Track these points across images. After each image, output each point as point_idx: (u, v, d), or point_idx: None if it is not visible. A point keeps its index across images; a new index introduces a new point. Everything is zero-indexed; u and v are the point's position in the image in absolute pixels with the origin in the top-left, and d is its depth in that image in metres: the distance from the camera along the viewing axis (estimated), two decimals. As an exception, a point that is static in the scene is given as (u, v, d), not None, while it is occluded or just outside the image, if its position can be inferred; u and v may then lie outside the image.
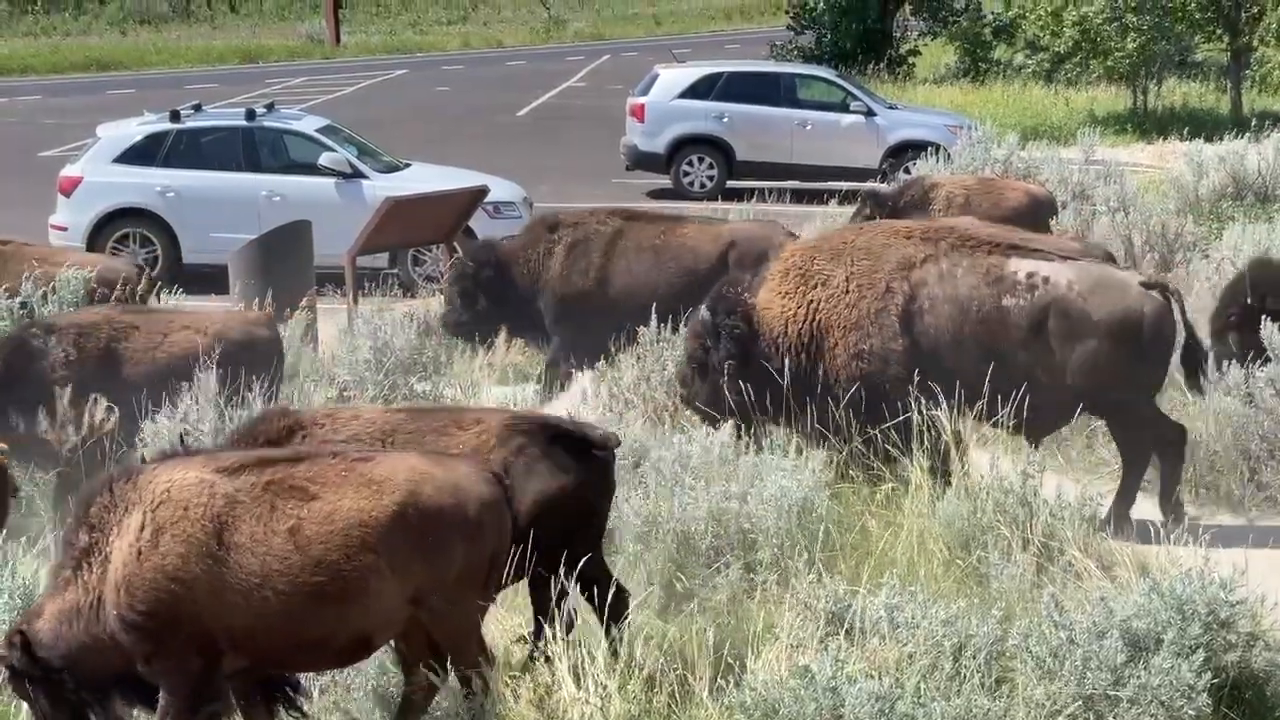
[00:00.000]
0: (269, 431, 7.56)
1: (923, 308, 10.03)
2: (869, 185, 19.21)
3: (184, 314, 11.70)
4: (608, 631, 7.48)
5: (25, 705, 6.81)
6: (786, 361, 10.15)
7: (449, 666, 6.80)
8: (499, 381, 13.50)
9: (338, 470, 6.59)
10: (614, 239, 13.57)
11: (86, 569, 6.52)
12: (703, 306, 10.49)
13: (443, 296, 14.11)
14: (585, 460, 7.57)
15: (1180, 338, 10.20)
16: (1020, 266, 9.99)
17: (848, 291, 10.13)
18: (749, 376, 10.07)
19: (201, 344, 10.66)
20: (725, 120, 26.22)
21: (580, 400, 11.54)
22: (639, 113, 26.46)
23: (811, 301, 10.20)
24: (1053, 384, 9.87)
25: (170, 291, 14.11)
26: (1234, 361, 10.91)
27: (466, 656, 6.79)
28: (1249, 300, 11.45)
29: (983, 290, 9.96)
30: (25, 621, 6.62)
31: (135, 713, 6.81)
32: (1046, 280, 9.91)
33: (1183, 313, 10.19)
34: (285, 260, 14.31)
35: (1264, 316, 11.19)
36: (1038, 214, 15.78)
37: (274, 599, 6.39)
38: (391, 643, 6.98)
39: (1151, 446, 10.21)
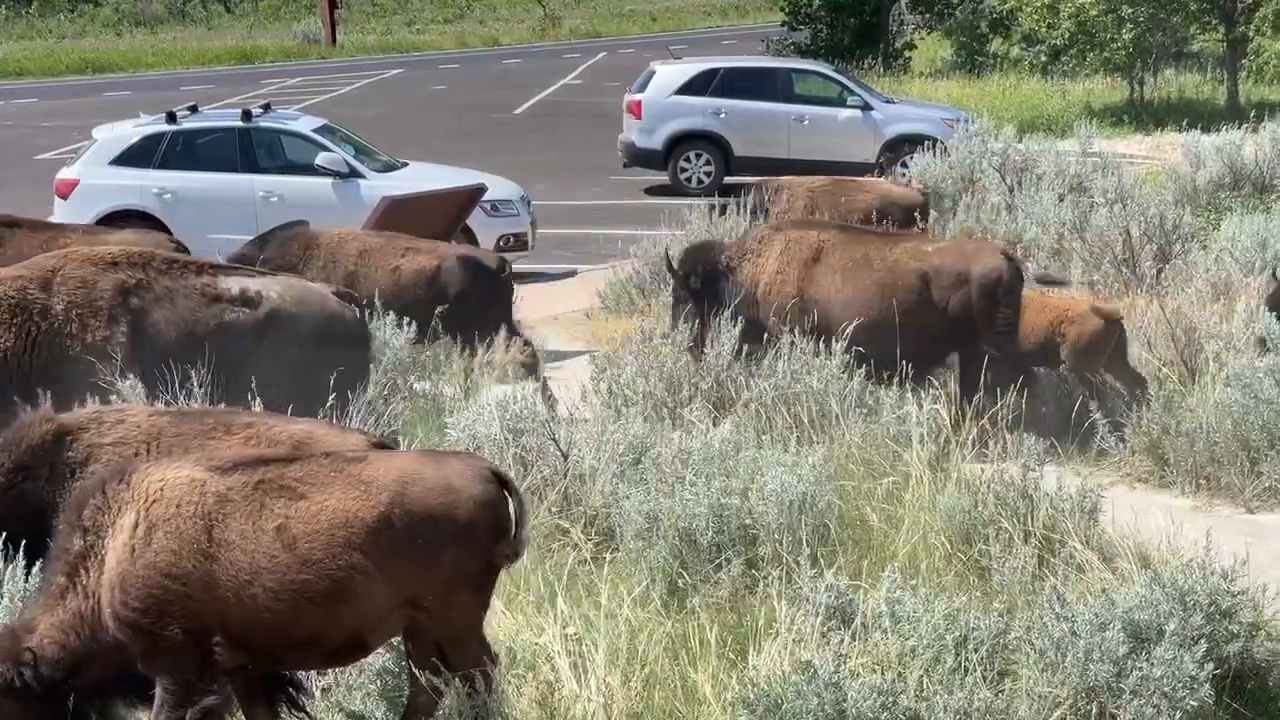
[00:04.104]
0: (31, 438, 7.44)
1: (148, 333, 10.26)
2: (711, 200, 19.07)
3: None
4: None
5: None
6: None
7: (452, 667, 6.79)
8: (499, 380, 13.50)
9: (328, 471, 6.59)
10: None
11: (84, 574, 6.50)
12: None
13: None
14: None
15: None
16: (232, 283, 10.53)
17: (69, 321, 10.17)
18: None
19: None
20: (722, 116, 26.23)
21: (580, 397, 11.53)
22: (636, 109, 26.48)
23: (30, 332, 10.12)
24: (275, 384, 10.04)
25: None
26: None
27: (467, 657, 6.77)
28: (684, 278, 12.59)
29: (204, 309, 10.41)
30: (20, 637, 6.51)
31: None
32: (260, 294, 10.50)
33: (367, 317, 11.12)
34: (283, 260, 14.28)
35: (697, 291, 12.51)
36: (890, 214, 16.18)
37: (263, 596, 6.40)
38: (398, 642, 6.99)
39: None
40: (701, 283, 12.44)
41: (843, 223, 14.30)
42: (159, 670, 6.49)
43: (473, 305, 13.10)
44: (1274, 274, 12.91)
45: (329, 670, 7.21)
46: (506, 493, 6.76)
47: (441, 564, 6.56)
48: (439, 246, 13.93)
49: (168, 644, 6.42)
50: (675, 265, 12.73)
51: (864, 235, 12.64)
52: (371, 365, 11.17)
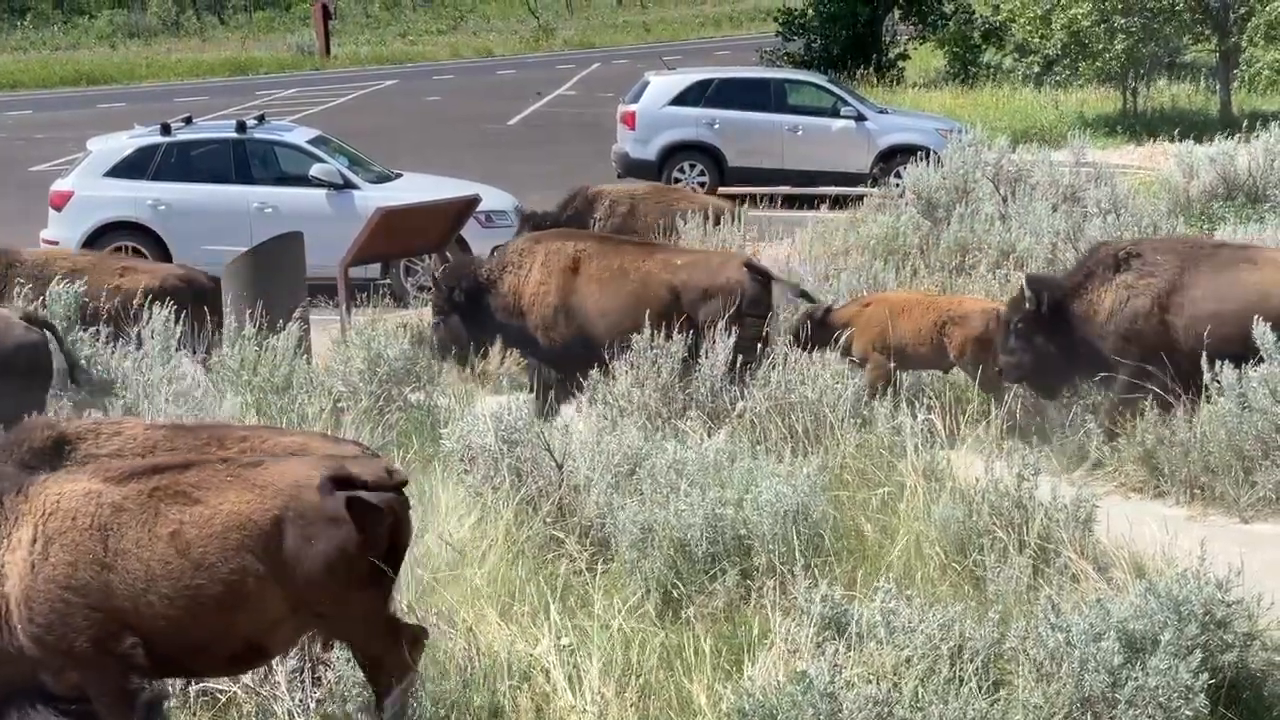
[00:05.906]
0: (32, 443, 7.51)
1: None
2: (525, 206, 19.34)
3: None
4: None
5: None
6: None
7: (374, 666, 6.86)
8: (493, 391, 13.50)
9: (223, 476, 6.63)
10: None
11: None
12: None
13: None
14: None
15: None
16: None
17: None
18: None
19: None
20: (716, 126, 26.25)
21: (575, 408, 11.54)
22: (630, 120, 26.50)
23: None
24: None
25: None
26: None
27: (379, 655, 6.81)
28: (449, 293, 12.83)
29: None
30: None
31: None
32: None
33: (61, 342, 10.95)
34: (277, 272, 14.29)
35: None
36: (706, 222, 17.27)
37: (159, 603, 6.42)
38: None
39: None
40: (465, 297, 12.67)
41: (602, 234, 14.98)
42: (87, 681, 6.50)
43: (193, 318, 13.13)
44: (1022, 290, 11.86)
45: (226, 677, 7.21)
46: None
47: (335, 566, 6.57)
48: (155, 265, 14.48)
49: (83, 655, 6.44)
50: (438, 280, 12.88)
51: (621, 246, 12.89)
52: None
